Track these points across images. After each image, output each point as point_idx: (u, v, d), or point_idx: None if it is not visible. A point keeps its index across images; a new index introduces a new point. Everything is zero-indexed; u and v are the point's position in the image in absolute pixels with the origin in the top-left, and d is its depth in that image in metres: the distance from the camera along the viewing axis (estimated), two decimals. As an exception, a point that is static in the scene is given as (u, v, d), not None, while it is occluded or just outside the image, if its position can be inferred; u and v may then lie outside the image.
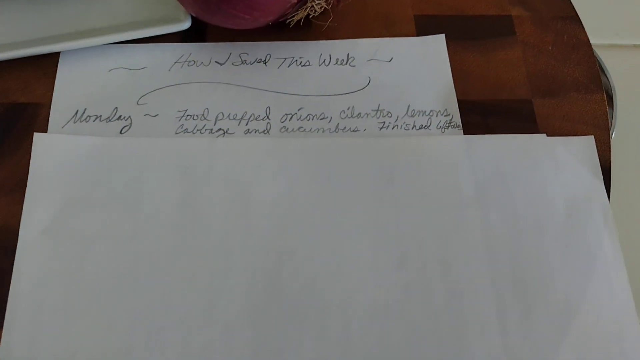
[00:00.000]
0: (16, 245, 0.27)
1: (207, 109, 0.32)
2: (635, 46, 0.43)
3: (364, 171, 0.30)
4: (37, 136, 0.30)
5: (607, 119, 0.33)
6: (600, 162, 0.31)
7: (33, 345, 0.26)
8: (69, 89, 0.32)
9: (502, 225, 0.29)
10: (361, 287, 0.27)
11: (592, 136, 0.32)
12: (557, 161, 0.31)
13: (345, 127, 0.32)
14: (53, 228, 0.28)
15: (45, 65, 0.32)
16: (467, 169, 0.30)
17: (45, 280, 0.27)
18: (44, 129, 0.30)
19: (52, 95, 0.31)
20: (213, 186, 0.29)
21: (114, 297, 0.27)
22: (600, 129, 0.32)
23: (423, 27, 0.35)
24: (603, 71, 0.39)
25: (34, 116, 0.31)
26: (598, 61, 0.36)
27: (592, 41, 0.35)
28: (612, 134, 0.36)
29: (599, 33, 0.41)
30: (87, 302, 0.26)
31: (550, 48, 0.35)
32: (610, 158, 0.32)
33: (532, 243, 0.29)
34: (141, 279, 0.27)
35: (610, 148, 0.32)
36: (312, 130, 0.31)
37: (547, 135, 0.32)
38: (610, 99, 0.37)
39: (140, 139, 0.30)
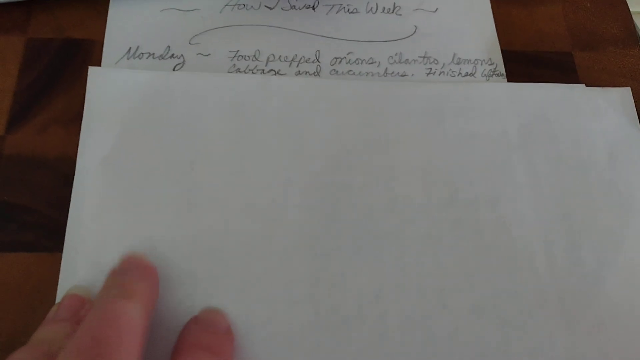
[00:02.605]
0: (74, 174, 0.28)
1: (259, 50, 0.32)
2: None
3: (413, 113, 0.31)
4: (92, 70, 0.30)
5: (644, 73, 0.34)
6: (638, 112, 0.32)
7: (93, 271, 0.26)
8: (121, 26, 0.32)
9: (546, 166, 0.30)
10: (414, 221, 0.28)
11: (629, 88, 0.33)
12: (596, 109, 0.32)
13: (393, 72, 0.32)
14: (111, 158, 0.28)
15: (97, 3, 0.32)
16: (512, 114, 0.31)
17: (104, 208, 0.27)
18: (98, 64, 0.31)
19: (104, 32, 0.32)
20: (267, 122, 0.30)
21: (174, 225, 0.27)
22: (637, 81, 0.34)
23: (466, -20, 0.36)
24: (638, 35, 0.40)
25: (88, 52, 0.31)
26: (635, 23, 0.37)
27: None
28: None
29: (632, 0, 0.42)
30: (147, 229, 0.27)
31: (588, 5, 0.36)
32: (647, 109, 0.33)
33: (575, 183, 0.30)
34: (200, 207, 0.27)
35: (647, 100, 0.33)
36: (361, 74, 0.32)
37: (587, 86, 0.33)
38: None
39: (195, 74, 0.30)
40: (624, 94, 0.33)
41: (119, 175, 0.28)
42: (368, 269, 0.27)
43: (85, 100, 0.29)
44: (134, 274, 0.24)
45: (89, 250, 0.26)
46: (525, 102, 0.31)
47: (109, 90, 0.30)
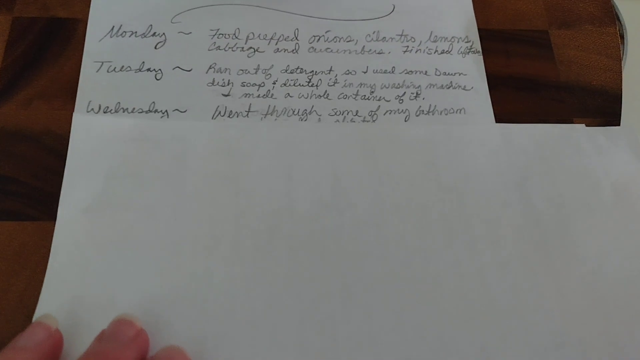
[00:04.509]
0: (60, 147, 0.29)
1: (239, 28, 0.33)
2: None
3: (405, 155, 0.30)
4: (76, 117, 0.29)
5: (620, 51, 0.34)
6: (612, 89, 0.33)
7: (72, 321, 0.25)
8: (105, 5, 0.33)
9: (548, 208, 0.29)
10: (409, 262, 0.27)
11: (634, 127, 0.32)
12: (598, 148, 0.31)
13: (370, 50, 0.33)
14: (94, 206, 0.27)
15: (82, -17, 0.33)
16: (507, 157, 0.30)
17: (85, 257, 0.26)
18: (82, 42, 0.32)
19: (88, 11, 0.33)
20: (254, 167, 0.29)
21: (157, 273, 0.26)
22: (612, 59, 0.34)
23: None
24: (617, 14, 0.40)
25: (72, 30, 0.32)
26: (613, 3, 0.38)
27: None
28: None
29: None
30: (129, 279, 0.26)
31: (566, -16, 0.36)
32: (621, 86, 0.33)
33: (581, 225, 0.29)
34: (184, 255, 0.27)
35: (622, 77, 0.34)
36: (339, 52, 0.33)
37: (564, 66, 0.33)
38: (622, 38, 0.38)
39: (180, 122, 0.30)
40: (628, 132, 0.32)
41: (101, 224, 0.27)
42: (360, 315, 0.26)
43: (69, 148, 0.29)
44: (119, 341, 0.23)
45: (68, 300, 0.25)
46: (521, 143, 0.31)
47: (93, 138, 0.29)
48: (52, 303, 0.25)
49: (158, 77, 0.31)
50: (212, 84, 0.31)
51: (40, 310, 0.25)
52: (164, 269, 0.26)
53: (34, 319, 0.25)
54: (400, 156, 0.30)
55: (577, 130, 0.31)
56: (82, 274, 0.26)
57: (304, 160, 0.29)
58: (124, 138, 0.29)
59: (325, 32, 0.33)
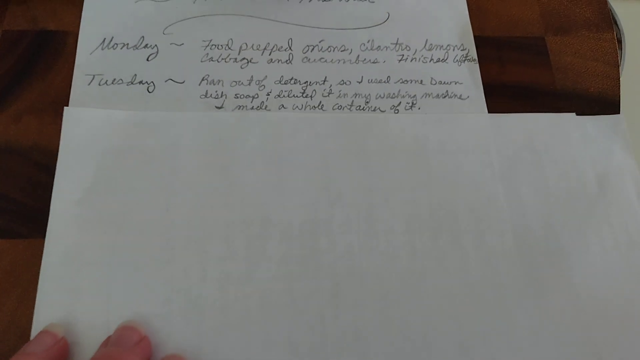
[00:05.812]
0: (50, 162, 0.28)
1: (232, 39, 0.33)
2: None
3: (395, 145, 0.30)
4: (67, 110, 0.29)
5: (617, 57, 0.34)
6: (609, 96, 0.32)
7: (67, 316, 0.26)
8: (96, 17, 0.32)
9: (533, 199, 0.29)
10: (396, 259, 0.28)
11: (622, 115, 0.32)
12: (586, 138, 0.31)
13: (365, 59, 0.33)
14: (85, 201, 0.28)
15: (72, -5, 0.33)
16: (497, 145, 0.30)
17: (78, 252, 0.27)
18: (72, 55, 0.31)
19: (79, 23, 0.32)
20: (245, 159, 0.29)
21: (150, 269, 0.27)
22: (610, 65, 0.34)
23: (440, -33, 0.36)
24: (614, 18, 0.39)
25: (62, 43, 0.32)
26: (610, 7, 0.37)
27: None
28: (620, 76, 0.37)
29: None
30: (122, 274, 0.26)
31: (562, -11, 0.36)
32: (619, 93, 0.33)
33: (564, 215, 0.29)
34: (176, 251, 0.27)
35: (619, 84, 0.33)
36: (333, 61, 0.32)
37: (560, 73, 0.33)
38: (620, 42, 0.38)
39: (170, 113, 0.30)
40: (616, 120, 0.32)
41: (94, 218, 0.27)
42: (348, 310, 0.26)
43: (61, 140, 0.29)
44: (124, 345, 0.24)
45: (62, 295, 0.26)
46: (510, 132, 0.31)
47: (84, 130, 0.29)
48: (48, 300, 0.26)
49: (150, 90, 0.31)
50: (205, 96, 0.31)
51: (38, 314, 0.26)
52: (156, 266, 0.27)
53: (34, 315, 0.25)
54: (391, 149, 0.30)
55: (567, 119, 0.32)
56: (76, 269, 0.26)
57: (294, 151, 0.30)
58: (116, 130, 0.29)
59: (319, 42, 0.33)
